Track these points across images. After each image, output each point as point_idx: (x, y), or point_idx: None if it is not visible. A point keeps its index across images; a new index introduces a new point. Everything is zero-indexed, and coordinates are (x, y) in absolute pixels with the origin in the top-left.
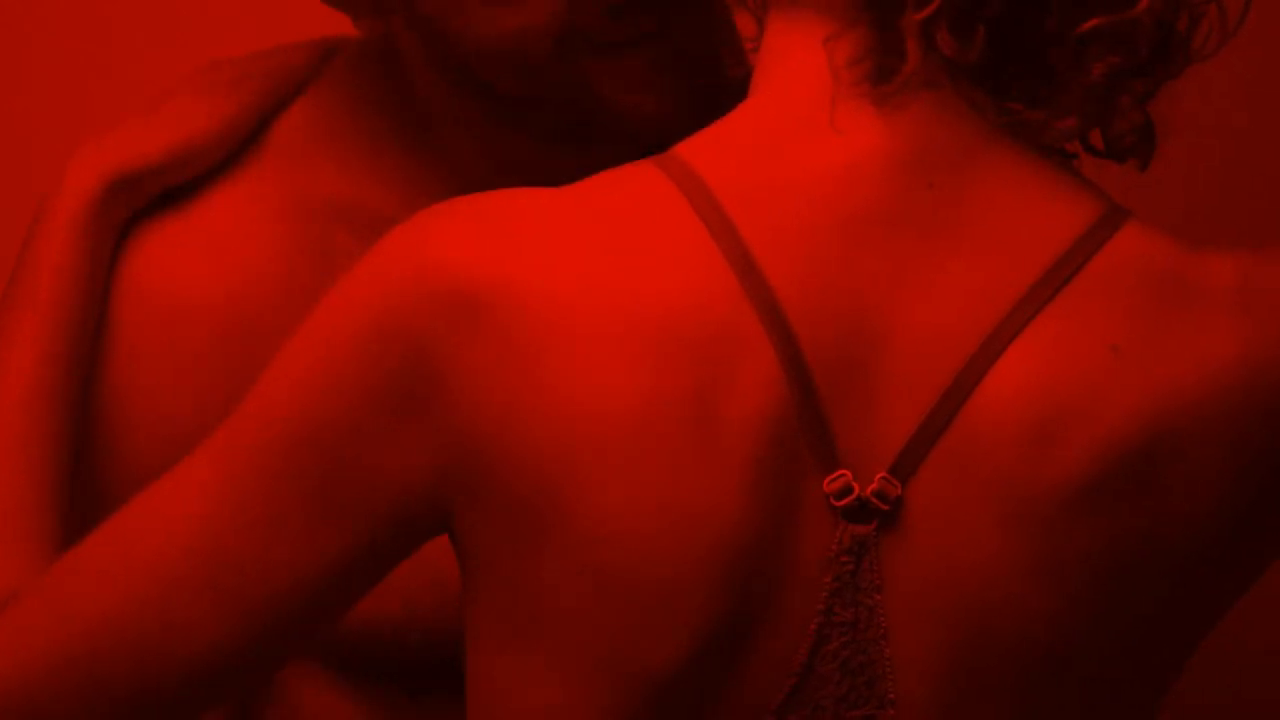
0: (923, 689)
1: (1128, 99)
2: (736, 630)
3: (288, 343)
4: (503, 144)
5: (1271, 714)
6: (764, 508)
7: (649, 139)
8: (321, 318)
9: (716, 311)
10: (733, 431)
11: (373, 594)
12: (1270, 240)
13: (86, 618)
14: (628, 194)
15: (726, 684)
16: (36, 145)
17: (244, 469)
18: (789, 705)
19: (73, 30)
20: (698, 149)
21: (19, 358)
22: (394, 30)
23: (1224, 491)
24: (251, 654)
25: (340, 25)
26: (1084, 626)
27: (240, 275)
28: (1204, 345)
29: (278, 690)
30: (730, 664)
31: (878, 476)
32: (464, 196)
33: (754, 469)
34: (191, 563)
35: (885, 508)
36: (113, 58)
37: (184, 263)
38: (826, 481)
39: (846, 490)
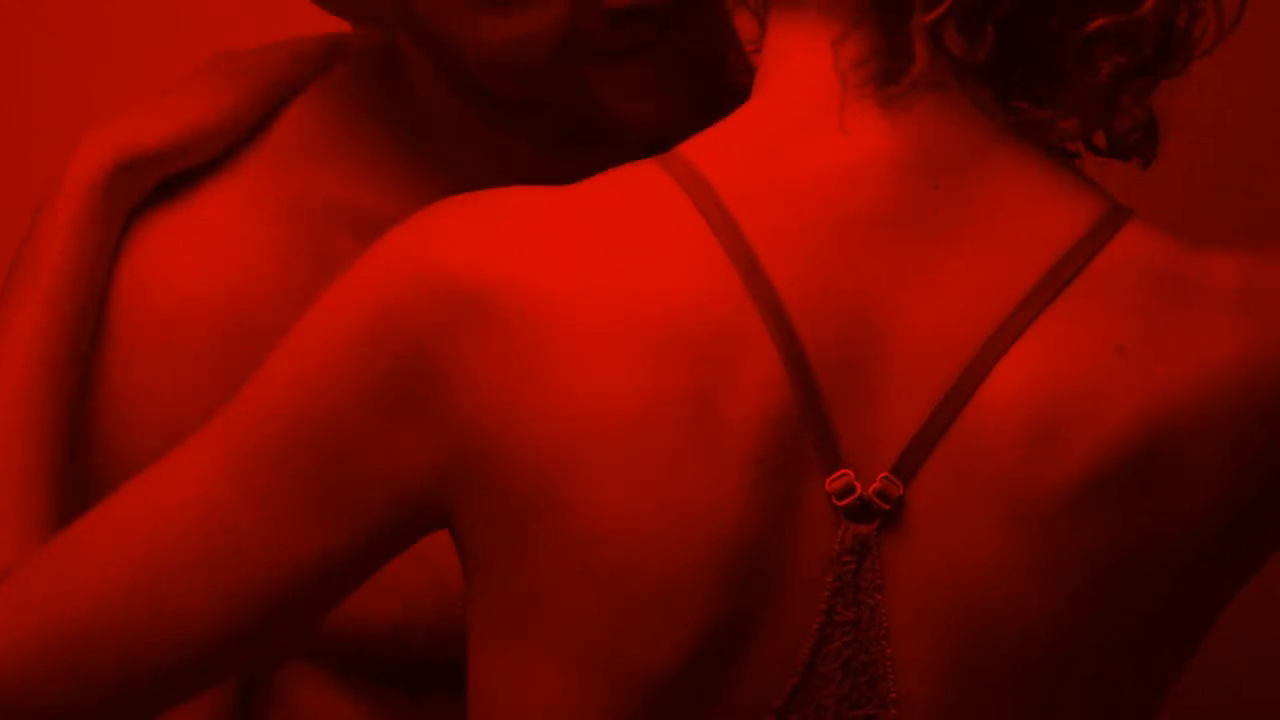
0: (924, 689)
1: (1129, 97)
2: (737, 630)
3: (288, 335)
4: (503, 148)
5: (1272, 714)
6: (764, 507)
7: (649, 143)
8: (322, 312)
9: (719, 311)
10: (733, 431)
11: (374, 595)
12: (1271, 239)
13: (79, 598)
14: (630, 193)
15: (727, 684)
16: (36, 145)
17: (241, 459)
18: (790, 705)
19: (73, 30)
20: (701, 148)
21: (19, 339)
22: (394, 36)
23: (1224, 490)
24: (242, 640)
25: (342, 24)
26: (1085, 626)
27: (239, 277)
28: (1205, 345)
29: (279, 691)
30: (731, 664)
31: (880, 476)
32: (465, 194)
33: (754, 469)
34: (185, 548)
35: (887, 507)
36: (113, 57)
37: (183, 264)
38: (828, 481)
39: (849, 490)
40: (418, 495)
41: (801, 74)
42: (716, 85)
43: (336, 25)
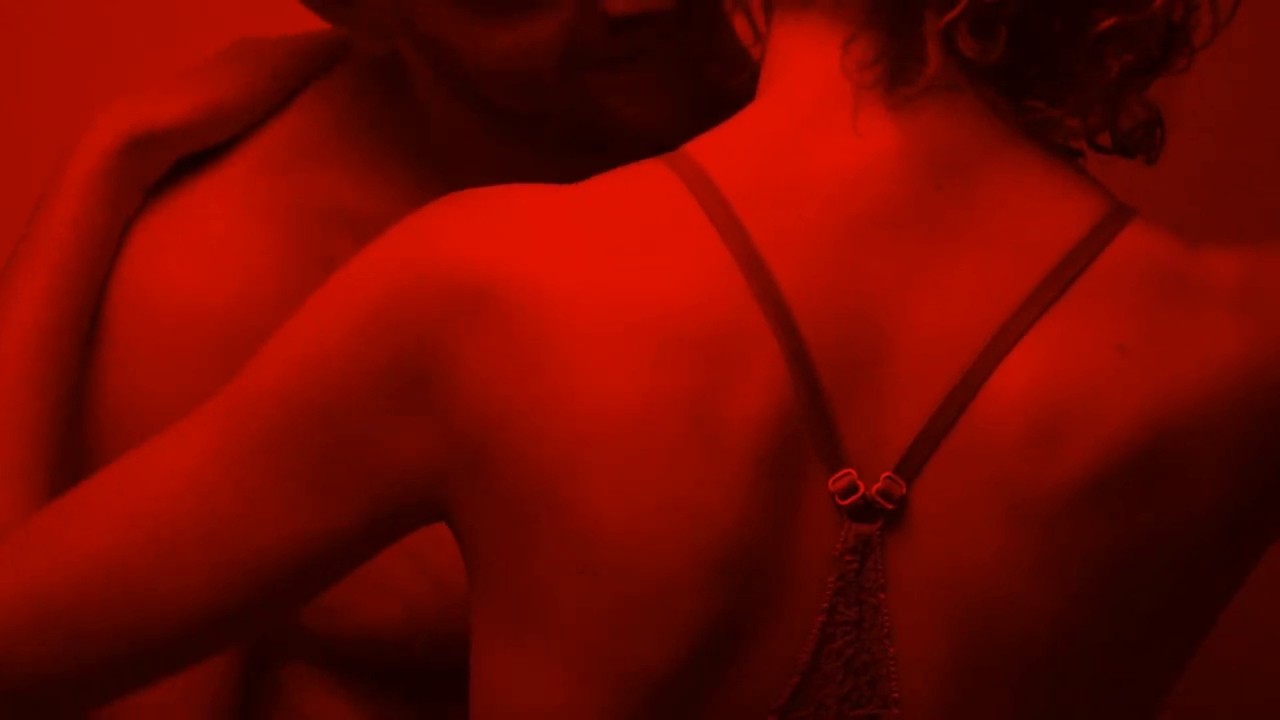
0: (927, 688)
1: (1134, 94)
2: (737, 630)
3: (291, 319)
4: (504, 154)
5: (1272, 714)
6: (766, 507)
7: (651, 147)
8: (325, 299)
9: (722, 310)
10: (735, 431)
11: (376, 597)
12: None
13: (75, 562)
14: (635, 191)
15: (727, 683)
16: (36, 144)
17: (239, 439)
18: (792, 704)
19: (73, 29)
20: (707, 148)
21: (25, 304)
22: (396, 47)
23: (1226, 490)
24: (233, 615)
25: None
26: (1087, 625)
27: (240, 280)
28: (1207, 344)
29: (280, 693)
30: (731, 663)
31: (883, 476)
32: (473, 190)
33: (756, 468)
34: (180, 522)
35: (890, 507)
36: (113, 57)
37: (184, 267)
38: (831, 480)
39: (851, 489)
40: (414, 486)
41: (807, 75)
42: (718, 88)
43: None
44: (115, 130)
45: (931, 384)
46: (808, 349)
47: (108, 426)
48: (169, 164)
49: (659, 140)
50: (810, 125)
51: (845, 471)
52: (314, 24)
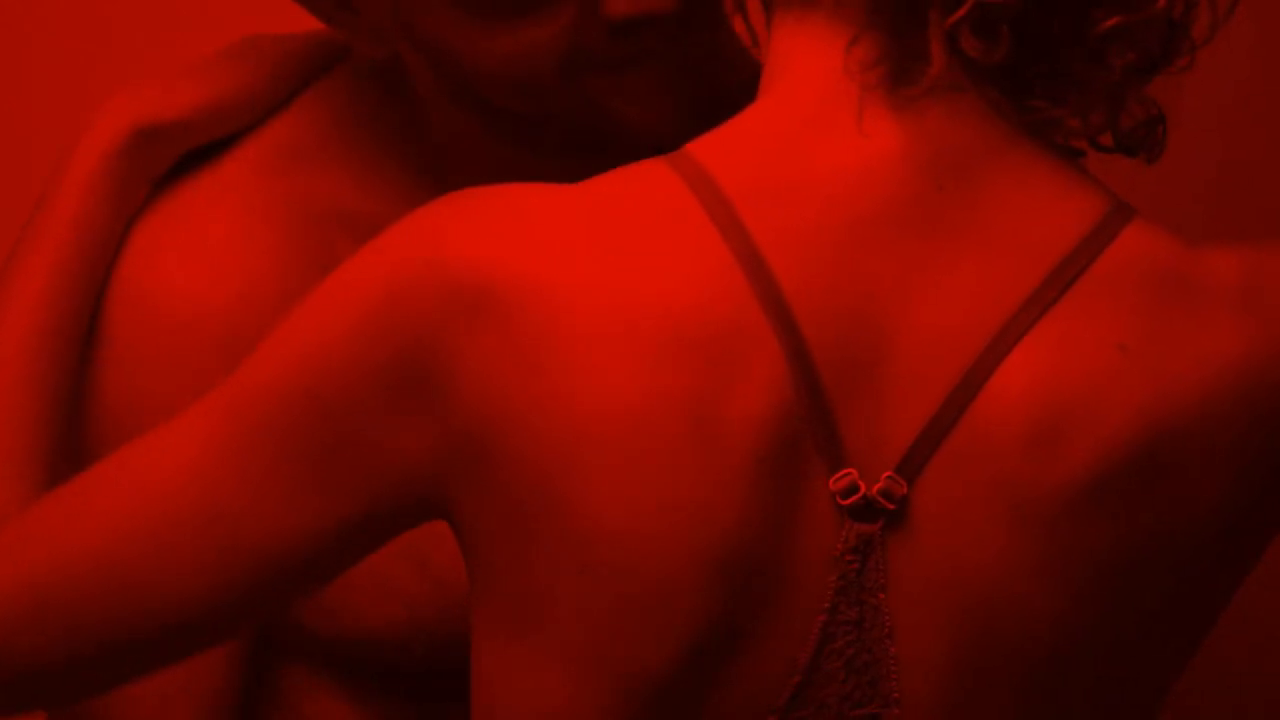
0: (927, 688)
1: (1135, 93)
2: (737, 629)
3: (293, 313)
4: (504, 156)
5: (1272, 714)
6: (766, 507)
7: (653, 149)
8: (327, 293)
9: (723, 310)
10: (735, 430)
11: (377, 599)
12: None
13: (73, 553)
14: (637, 191)
15: (728, 683)
16: (36, 144)
17: (240, 430)
18: (793, 704)
19: (73, 29)
20: (709, 147)
21: (25, 301)
22: (397, 50)
23: (1226, 489)
24: (232, 607)
25: None
26: (1088, 625)
27: (239, 282)
28: (1207, 344)
29: (281, 695)
30: (731, 663)
31: (884, 475)
32: (474, 189)
33: (756, 468)
34: (182, 513)
35: (891, 507)
36: (113, 57)
37: (185, 270)
38: (832, 480)
39: (853, 489)
40: (414, 483)
41: (809, 75)
42: (720, 88)
43: None
44: (118, 125)
45: (932, 384)
46: (808, 348)
47: (106, 426)
48: (172, 159)
49: (659, 142)
50: (812, 125)
51: (846, 471)
52: (314, 24)
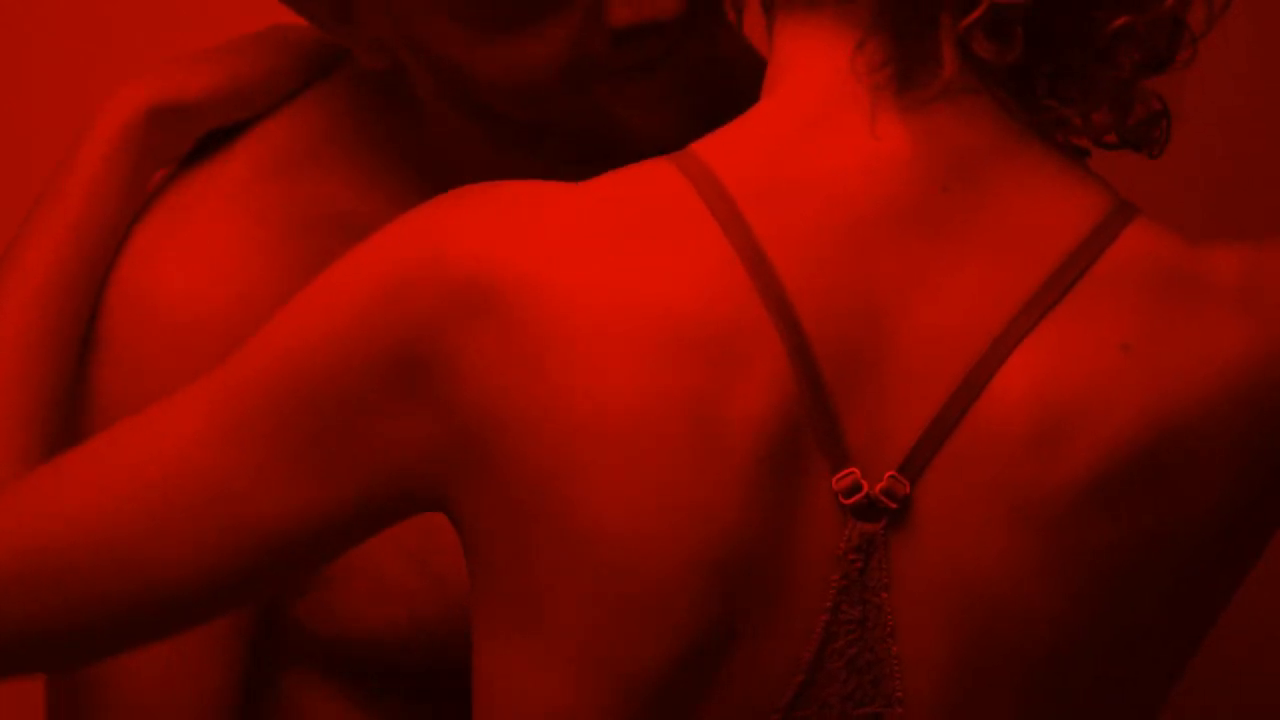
0: (929, 687)
1: (1142, 90)
2: (738, 629)
3: (297, 297)
4: (506, 162)
5: (1272, 714)
6: (767, 506)
7: (655, 154)
8: (331, 282)
9: (725, 309)
10: (736, 430)
11: (378, 600)
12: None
13: (68, 520)
14: (642, 190)
15: (729, 683)
16: (36, 144)
17: (238, 409)
18: (796, 703)
19: (73, 29)
20: (714, 147)
21: (34, 264)
22: (398, 57)
23: (1227, 489)
24: (226, 585)
25: None
26: (1089, 625)
27: (237, 286)
28: (1208, 343)
29: (282, 696)
30: (732, 663)
31: (886, 475)
32: (480, 185)
33: (756, 467)
34: (179, 491)
35: (894, 506)
36: (113, 57)
37: (181, 272)
38: (835, 479)
39: (855, 488)
40: (413, 474)
41: (813, 76)
42: (722, 93)
43: None
44: (134, 103)
45: (935, 384)
46: (811, 347)
47: (103, 427)
48: (188, 142)
49: (662, 147)
50: (816, 126)
51: (849, 470)
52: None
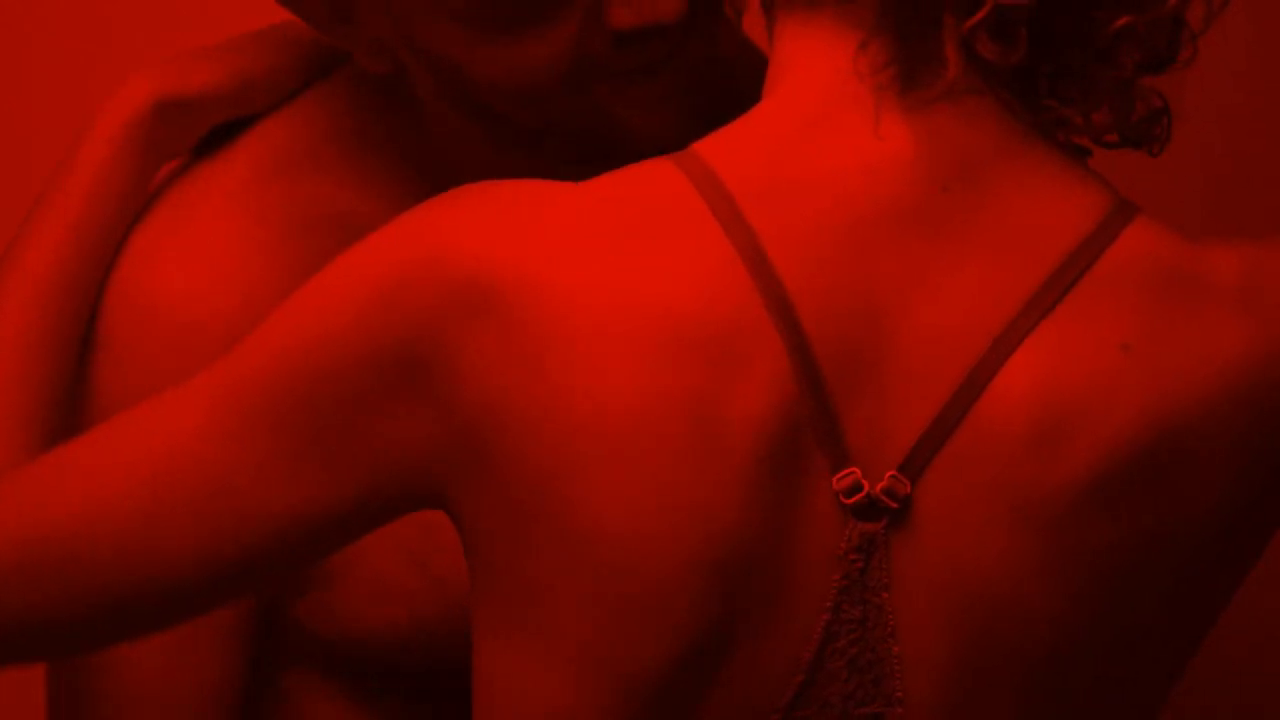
0: (930, 687)
1: (1143, 88)
2: (738, 629)
3: (298, 293)
4: (506, 163)
5: (1272, 714)
6: (767, 506)
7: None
8: (333, 278)
9: (725, 308)
10: (736, 430)
11: (378, 601)
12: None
13: (69, 511)
14: (643, 190)
15: (729, 683)
16: (36, 144)
17: (237, 404)
18: (796, 703)
19: (73, 29)
20: (715, 147)
21: (36, 261)
22: (400, 62)
23: (1226, 488)
24: (227, 577)
25: None
26: (1089, 625)
27: (239, 288)
28: (1208, 342)
29: (282, 697)
30: (733, 663)
31: (887, 475)
32: (482, 183)
33: (756, 467)
34: (179, 485)
35: (894, 506)
36: (113, 57)
37: (181, 274)
38: (836, 479)
39: (856, 488)
40: (413, 471)
41: (814, 77)
42: (724, 91)
43: None
44: (139, 96)
45: (935, 384)
46: (811, 346)
47: None
48: (193, 136)
49: (663, 148)
50: (818, 126)
51: (849, 470)
52: None
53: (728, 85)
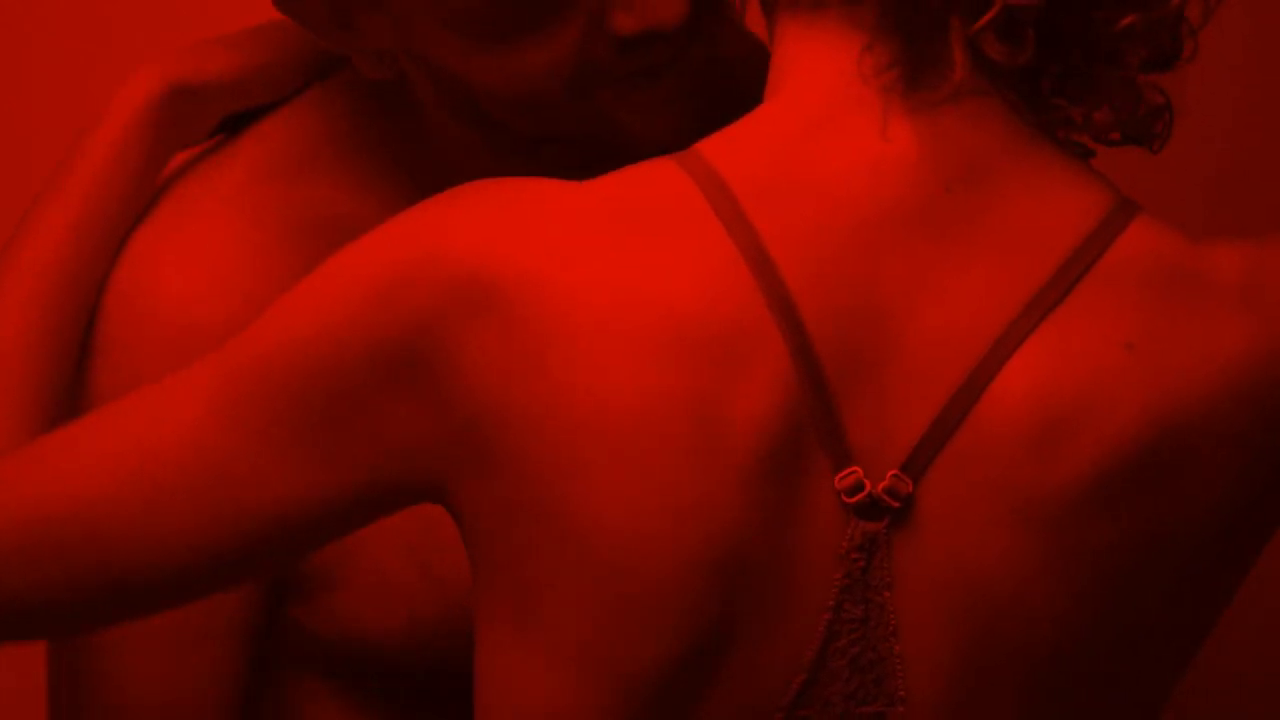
0: (932, 686)
1: (1147, 86)
2: (739, 629)
3: (301, 284)
4: (509, 168)
5: (1272, 714)
6: (767, 505)
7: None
8: (336, 271)
9: (728, 308)
10: (737, 430)
11: (380, 606)
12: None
13: (69, 495)
14: (645, 188)
15: (731, 682)
16: (36, 144)
17: (234, 393)
18: (798, 702)
19: (73, 29)
20: (718, 146)
21: (45, 237)
22: (401, 69)
23: (1228, 488)
24: (222, 561)
25: None
26: (1091, 624)
27: (237, 292)
28: (1210, 341)
29: (284, 702)
30: (734, 662)
31: (889, 474)
32: (487, 180)
33: (757, 467)
34: (179, 474)
35: (896, 505)
36: (113, 57)
37: (179, 278)
38: (838, 478)
39: (858, 487)
40: (414, 465)
41: (818, 78)
42: (725, 91)
43: None
44: (153, 82)
45: (937, 383)
46: (813, 346)
47: None
48: (206, 125)
49: (664, 151)
50: (821, 126)
51: (851, 469)
52: None
53: (728, 85)
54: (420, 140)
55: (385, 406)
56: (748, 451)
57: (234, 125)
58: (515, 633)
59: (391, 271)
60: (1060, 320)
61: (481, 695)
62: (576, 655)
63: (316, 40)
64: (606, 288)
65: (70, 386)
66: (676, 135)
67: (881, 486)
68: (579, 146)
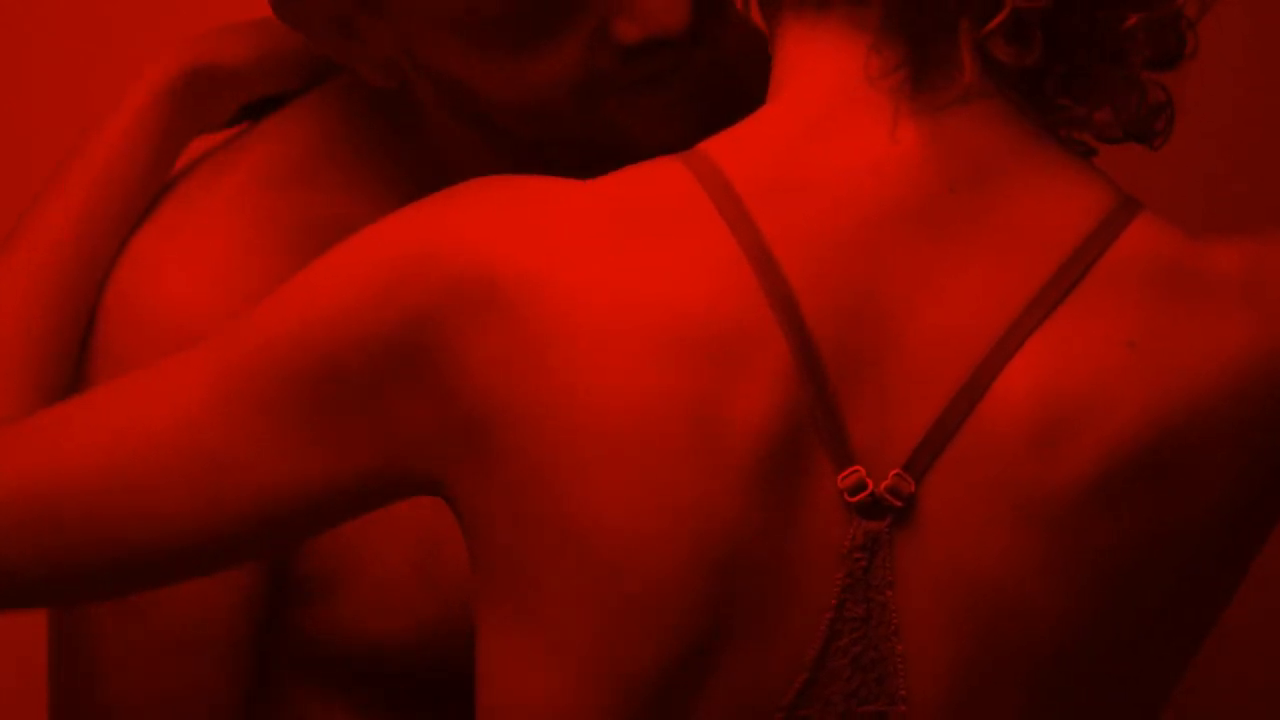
0: (934, 686)
1: (1150, 84)
2: (739, 628)
3: (303, 272)
4: (507, 170)
5: (1272, 714)
6: (768, 505)
7: None
8: (340, 261)
9: (730, 307)
10: (738, 430)
11: (383, 614)
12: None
13: (62, 465)
14: (649, 187)
15: (731, 681)
16: (36, 145)
17: (233, 378)
18: (799, 701)
19: (73, 29)
20: (722, 146)
21: (47, 235)
22: (404, 77)
23: (1228, 486)
24: (223, 543)
25: None
26: (1092, 624)
27: (238, 296)
28: (1211, 339)
29: (286, 707)
30: (734, 661)
31: (891, 473)
32: (489, 178)
33: (758, 467)
34: (180, 456)
35: (898, 504)
36: (113, 57)
37: (179, 282)
38: (840, 477)
39: (860, 486)
40: (411, 458)
41: (822, 78)
42: (728, 92)
43: None
44: (173, 65)
45: (940, 382)
46: (815, 345)
47: None
48: (225, 110)
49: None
50: (825, 127)
51: (854, 469)
52: None
53: (731, 86)
54: (421, 141)
55: (386, 396)
56: (748, 451)
57: (255, 115)
58: (515, 632)
59: (389, 267)
60: (1062, 319)
61: (482, 696)
62: (577, 655)
63: (316, 50)
64: (608, 287)
65: (70, 386)
66: (681, 139)
67: (884, 486)
68: (582, 150)
